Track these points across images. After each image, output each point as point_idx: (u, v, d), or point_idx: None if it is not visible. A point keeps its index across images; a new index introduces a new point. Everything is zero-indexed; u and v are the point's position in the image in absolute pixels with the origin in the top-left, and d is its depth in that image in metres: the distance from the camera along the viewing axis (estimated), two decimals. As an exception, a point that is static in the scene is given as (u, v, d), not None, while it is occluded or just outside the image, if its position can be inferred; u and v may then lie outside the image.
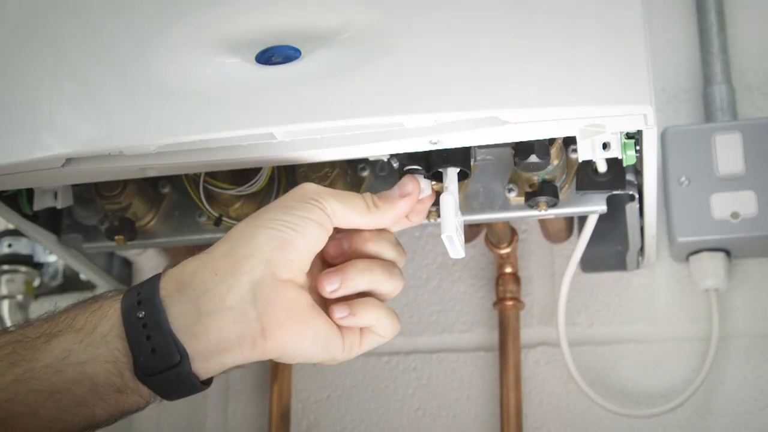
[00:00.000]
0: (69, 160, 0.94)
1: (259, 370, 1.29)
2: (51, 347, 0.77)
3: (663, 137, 1.16)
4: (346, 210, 0.84)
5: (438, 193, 0.94)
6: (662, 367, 1.19)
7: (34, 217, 1.09)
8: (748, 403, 1.16)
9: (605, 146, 0.90)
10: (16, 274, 1.24)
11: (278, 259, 0.80)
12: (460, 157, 0.94)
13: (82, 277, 1.30)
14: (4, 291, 1.23)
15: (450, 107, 0.87)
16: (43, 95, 0.95)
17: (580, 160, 0.93)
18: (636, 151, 0.91)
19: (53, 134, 0.93)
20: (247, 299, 0.79)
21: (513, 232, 1.18)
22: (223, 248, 0.81)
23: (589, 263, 1.22)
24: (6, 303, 1.23)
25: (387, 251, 0.88)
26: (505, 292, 1.21)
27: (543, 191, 1.00)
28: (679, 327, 1.20)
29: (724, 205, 1.13)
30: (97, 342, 0.77)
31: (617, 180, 1.00)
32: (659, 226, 1.17)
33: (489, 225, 1.15)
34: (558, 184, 1.01)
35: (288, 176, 1.07)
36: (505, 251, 1.19)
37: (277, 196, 1.06)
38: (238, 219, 1.06)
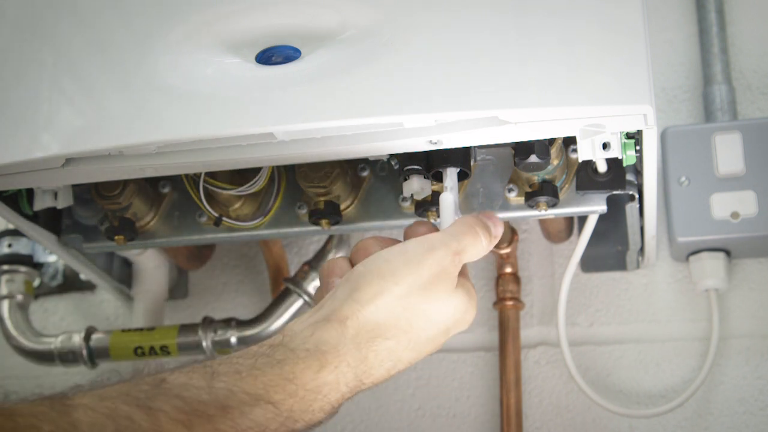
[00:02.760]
0: (69, 160, 0.94)
1: (259, 370, 1.29)
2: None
3: (663, 137, 1.16)
4: (477, 257, 0.86)
5: (438, 193, 0.94)
6: (662, 367, 1.19)
7: (34, 217, 1.09)
8: (748, 403, 1.16)
9: (605, 146, 0.90)
10: (16, 274, 1.24)
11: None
12: (460, 157, 0.94)
13: (82, 277, 1.30)
14: (4, 291, 1.23)
15: (450, 107, 0.87)
16: (43, 95, 0.95)
17: (580, 160, 0.93)
18: (636, 151, 0.91)
19: (53, 134, 0.93)
20: None
21: (513, 232, 1.18)
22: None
23: (589, 263, 1.22)
24: (6, 303, 1.23)
25: None
26: (505, 292, 1.21)
27: (543, 191, 1.00)
28: (679, 327, 1.20)
29: (724, 205, 1.13)
30: None
31: (617, 180, 1.00)
32: (659, 226, 1.16)
33: (489, 225, 1.15)
34: (558, 184, 1.01)
35: (288, 176, 1.07)
36: (505, 251, 1.18)
37: (277, 196, 1.06)
38: (238, 219, 1.06)
